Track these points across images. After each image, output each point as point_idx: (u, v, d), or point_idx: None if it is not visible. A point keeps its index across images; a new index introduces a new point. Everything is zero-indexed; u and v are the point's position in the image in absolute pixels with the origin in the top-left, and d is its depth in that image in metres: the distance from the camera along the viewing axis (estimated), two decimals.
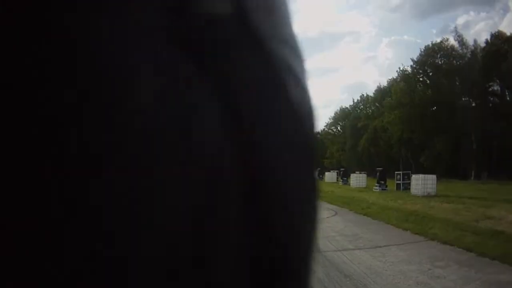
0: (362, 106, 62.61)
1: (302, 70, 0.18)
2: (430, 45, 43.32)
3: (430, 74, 42.67)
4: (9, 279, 0.13)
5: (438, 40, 44.02)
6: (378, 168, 24.87)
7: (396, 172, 24.02)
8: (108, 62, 0.12)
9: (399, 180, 23.15)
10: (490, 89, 38.53)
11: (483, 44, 39.18)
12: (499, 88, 37.91)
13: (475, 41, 41.09)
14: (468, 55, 39.98)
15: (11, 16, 0.10)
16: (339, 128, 69.61)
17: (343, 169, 36.17)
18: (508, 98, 38.13)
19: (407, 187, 21.19)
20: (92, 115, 0.11)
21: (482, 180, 30.82)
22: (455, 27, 57.99)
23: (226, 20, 0.16)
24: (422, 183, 18.67)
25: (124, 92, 0.12)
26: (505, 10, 69.12)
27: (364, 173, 29.81)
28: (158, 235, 0.14)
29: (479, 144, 34.58)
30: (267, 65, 0.18)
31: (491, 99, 38.62)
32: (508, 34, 37.95)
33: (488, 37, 39.17)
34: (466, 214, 11.03)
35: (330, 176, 39.66)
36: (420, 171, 21.86)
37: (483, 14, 78.18)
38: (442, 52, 41.83)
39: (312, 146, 0.21)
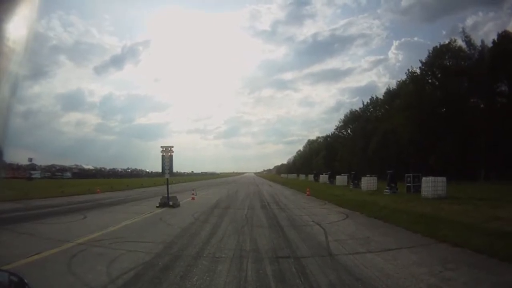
0: (371, 109, 62.45)
1: None
2: (438, 46, 43.15)
3: (439, 75, 42.38)
4: None
5: (447, 41, 43.77)
6: (388, 171, 24.83)
7: (406, 175, 23.90)
8: None
9: (410, 183, 23.11)
10: (498, 89, 38.04)
11: (490, 45, 38.76)
12: (507, 89, 37.37)
13: (482, 41, 40.79)
14: (476, 55, 39.67)
15: None
16: (349, 131, 69.51)
17: (353, 172, 36.20)
18: None
19: (417, 189, 21.16)
20: None
21: (492, 181, 30.56)
22: (463, 28, 57.61)
23: None
24: (432, 185, 18.67)
25: None
26: None
27: (375, 176, 29.75)
28: None
29: (488, 145, 34.17)
30: None
31: (499, 99, 38.10)
32: None
33: (496, 38, 38.87)
34: (476, 216, 11.11)
35: (341, 179, 39.80)
36: (429, 172, 21.78)
37: (491, 14, 77.60)
38: (450, 53, 41.59)
39: None
